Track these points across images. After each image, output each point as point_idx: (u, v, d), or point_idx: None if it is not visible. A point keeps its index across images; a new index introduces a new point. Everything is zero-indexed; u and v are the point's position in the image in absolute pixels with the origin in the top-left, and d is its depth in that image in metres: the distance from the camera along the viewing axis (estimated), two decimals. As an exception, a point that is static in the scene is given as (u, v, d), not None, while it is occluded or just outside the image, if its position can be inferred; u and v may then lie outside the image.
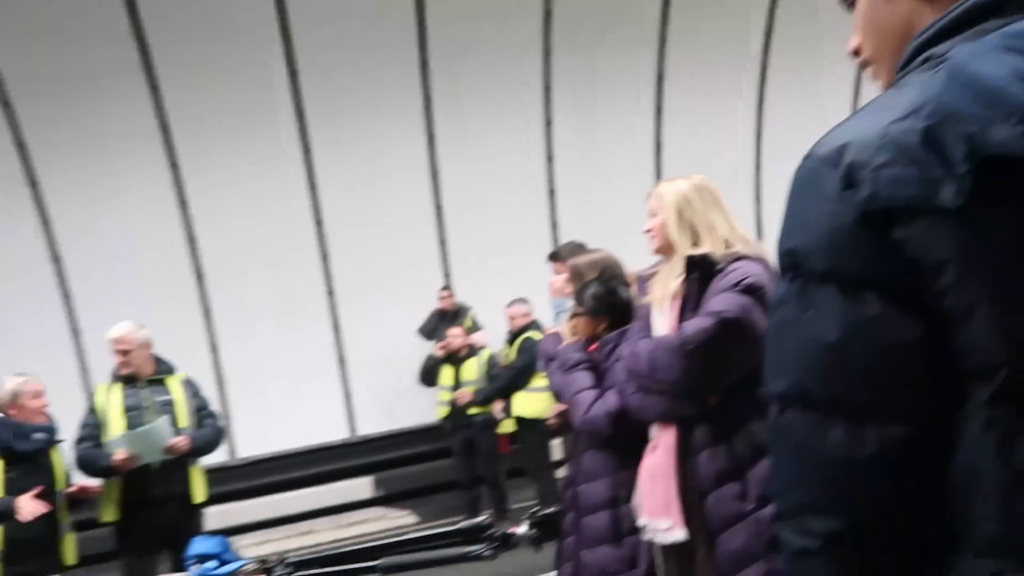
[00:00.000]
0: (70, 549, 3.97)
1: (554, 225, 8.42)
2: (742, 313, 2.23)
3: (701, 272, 2.33)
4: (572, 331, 3.01)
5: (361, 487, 7.79)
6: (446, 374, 6.73)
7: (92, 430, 4.24)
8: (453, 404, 6.59)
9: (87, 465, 4.20)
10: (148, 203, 7.74)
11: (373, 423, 8.10)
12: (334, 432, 8.04)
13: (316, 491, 7.70)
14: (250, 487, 7.65)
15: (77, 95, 7.36)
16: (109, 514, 4.18)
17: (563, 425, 3.09)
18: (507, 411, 6.32)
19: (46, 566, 3.69)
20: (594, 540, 2.73)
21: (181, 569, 3.15)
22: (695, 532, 2.28)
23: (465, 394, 6.52)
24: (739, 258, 2.33)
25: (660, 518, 2.31)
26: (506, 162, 8.30)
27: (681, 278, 2.36)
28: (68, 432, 4.37)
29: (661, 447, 2.36)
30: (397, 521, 7.71)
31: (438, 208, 8.28)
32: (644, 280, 2.69)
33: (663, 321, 2.41)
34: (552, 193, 8.48)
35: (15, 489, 3.72)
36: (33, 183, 7.51)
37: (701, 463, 2.28)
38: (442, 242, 8.32)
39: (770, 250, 2.41)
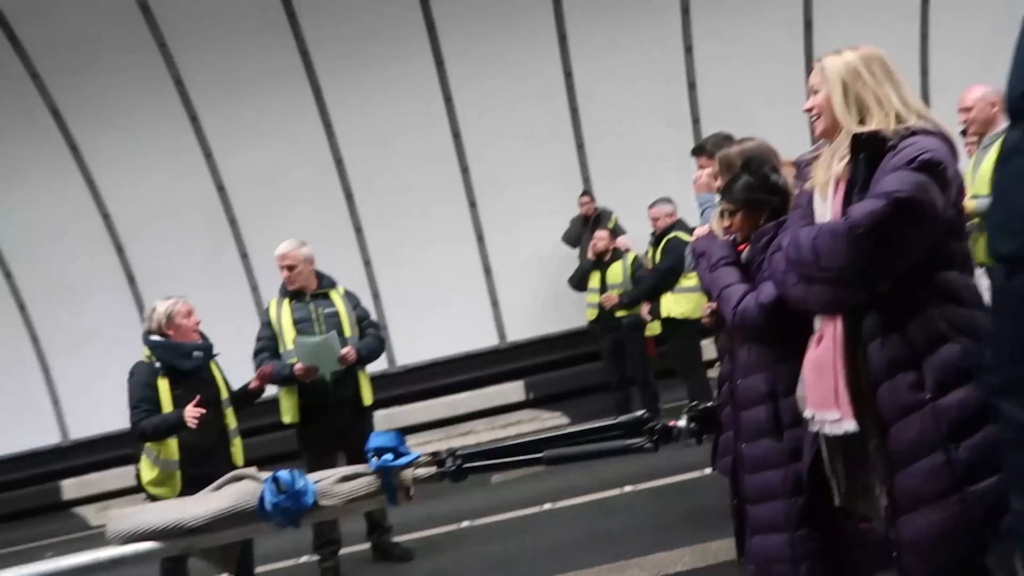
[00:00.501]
0: (238, 451, 4.26)
1: (696, 120, 8.05)
2: (918, 192, 2.04)
3: (870, 151, 2.14)
4: (725, 228, 2.90)
5: (513, 391, 8.08)
6: (593, 278, 6.75)
7: (268, 342, 4.59)
8: (601, 307, 6.62)
9: (270, 376, 4.53)
10: (297, 132, 8.10)
11: (521, 330, 8.31)
12: (484, 339, 8.33)
13: (471, 395, 8.09)
14: (409, 392, 8.14)
15: (224, 36, 7.72)
16: (290, 418, 4.57)
17: (718, 322, 3.02)
18: (654, 313, 6.26)
19: (220, 468, 3.98)
20: (754, 434, 2.69)
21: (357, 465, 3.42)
22: (866, 423, 2.19)
23: (611, 297, 6.52)
24: (914, 133, 2.13)
25: (828, 410, 2.22)
26: (641, 56, 7.96)
27: (847, 159, 2.18)
28: (246, 345, 4.76)
29: (827, 338, 2.25)
30: (549, 422, 7.97)
31: (573, 111, 8.12)
32: (803, 165, 2.52)
33: (826, 207, 2.26)
34: (692, 86, 8.08)
35: (183, 404, 3.96)
36: (193, 118, 8.02)
37: (872, 353, 2.16)
38: (579, 146, 8.18)
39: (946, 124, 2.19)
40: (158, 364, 4.04)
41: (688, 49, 8.00)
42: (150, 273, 8.39)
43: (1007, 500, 0.85)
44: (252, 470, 2.48)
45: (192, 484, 3.69)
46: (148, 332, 4.12)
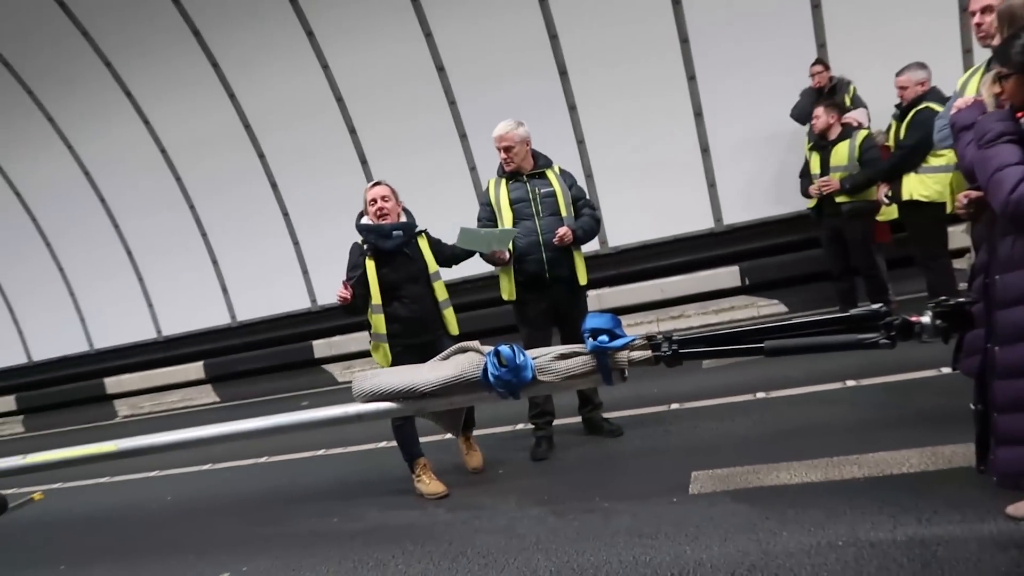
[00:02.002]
0: (452, 320, 4.53)
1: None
2: None
3: None
4: (996, 95, 2.50)
5: (728, 276, 7.81)
6: (814, 160, 6.15)
7: (487, 223, 4.74)
8: (820, 193, 6.07)
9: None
10: (512, 7, 7.99)
11: (738, 212, 7.92)
12: (699, 222, 8.05)
13: (684, 278, 7.94)
14: (621, 274, 8.16)
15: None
16: (508, 295, 4.76)
17: (977, 211, 2.65)
18: (894, 195, 5.62)
19: (436, 338, 4.36)
20: (1012, 336, 2.41)
21: (570, 342, 3.50)
22: None
23: (830, 182, 5.94)
24: None
25: (1113, 314, 1.92)
26: None
27: None
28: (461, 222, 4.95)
29: (1121, 231, 1.91)
30: (765, 310, 7.68)
31: (810, -37, 7.26)
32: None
33: None
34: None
35: (391, 280, 4.33)
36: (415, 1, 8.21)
37: None
38: (815, 6, 7.33)
39: None
40: (366, 246, 4.39)
41: None
42: (379, 152, 8.96)
43: None
44: (475, 343, 2.62)
45: (408, 352, 4.15)
46: (360, 215, 4.48)
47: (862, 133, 6.01)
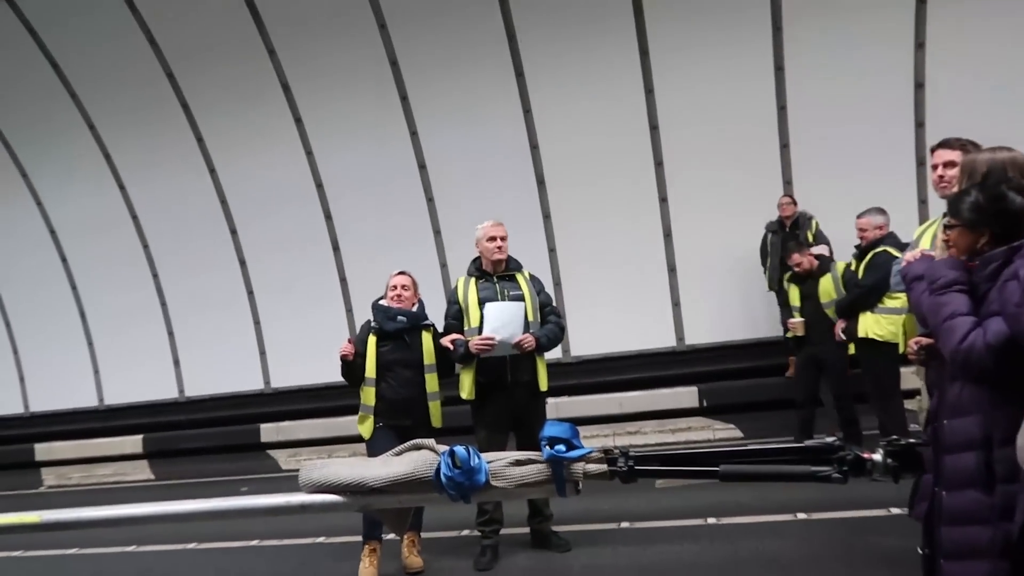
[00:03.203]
0: (437, 412, 4.66)
1: (919, 124, 7.35)
2: None
3: None
4: (946, 246, 2.62)
5: (686, 395, 7.86)
6: (793, 293, 6.31)
7: (453, 321, 4.74)
8: (806, 323, 6.18)
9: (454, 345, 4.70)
10: (499, 114, 8.28)
11: (701, 333, 8.05)
12: (662, 339, 8.15)
13: (642, 395, 7.97)
14: (581, 384, 8.16)
15: (437, 21, 8.06)
16: (467, 394, 4.71)
17: (928, 356, 2.73)
18: (849, 332, 5.76)
19: (416, 424, 4.41)
20: (959, 483, 2.42)
21: (526, 447, 3.46)
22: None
23: (797, 323, 6.15)
24: None
25: (1057, 467, 1.95)
26: (863, 48, 7.34)
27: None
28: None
29: (1063, 384, 1.98)
30: (721, 433, 7.69)
31: (781, 109, 7.68)
32: (1056, 185, 2.22)
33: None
34: (920, 87, 7.37)
35: (385, 360, 4.65)
36: (403, 97, 8.47)
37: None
38: (784, 145, 7.73)
39: None
40: (373, 323, 4.70)
41: (920, 45, 7.30)
42: (352, 240, 9.00)
43: None
44: (431, 442, 2.56)
45: (389, 431, 4.42)
46: (379, 297, 4.82)
47: (841, 264, 6.14)
